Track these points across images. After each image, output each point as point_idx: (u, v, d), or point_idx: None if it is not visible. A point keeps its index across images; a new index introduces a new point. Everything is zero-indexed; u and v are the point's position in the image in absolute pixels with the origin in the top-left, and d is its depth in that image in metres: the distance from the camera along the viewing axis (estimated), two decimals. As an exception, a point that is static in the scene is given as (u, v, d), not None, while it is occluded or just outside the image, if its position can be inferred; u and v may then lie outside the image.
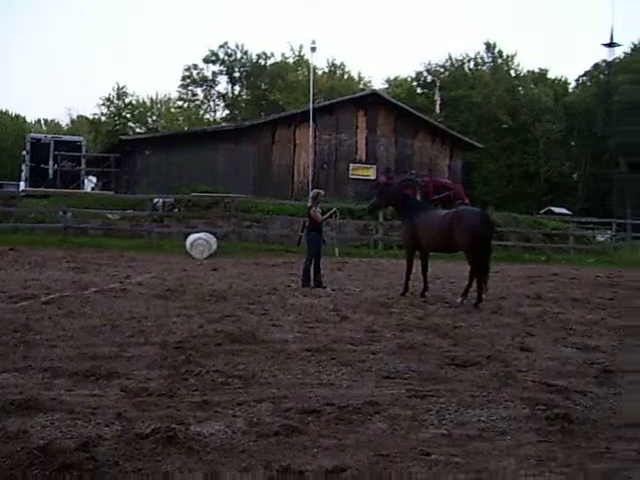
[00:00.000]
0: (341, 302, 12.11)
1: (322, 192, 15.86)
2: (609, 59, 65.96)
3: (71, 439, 4.55)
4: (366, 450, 4.59)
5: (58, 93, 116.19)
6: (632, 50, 70.07)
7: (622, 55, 69.19)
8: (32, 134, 42.69)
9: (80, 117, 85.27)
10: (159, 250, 23.03)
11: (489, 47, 74.87)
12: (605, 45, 64.15)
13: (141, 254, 21.27)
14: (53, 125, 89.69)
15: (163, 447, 4.48)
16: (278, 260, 21.20)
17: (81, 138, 41.32)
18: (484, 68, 74.70)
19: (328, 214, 15.71)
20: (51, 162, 35.68)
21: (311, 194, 15.70)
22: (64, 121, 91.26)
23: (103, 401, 5.42)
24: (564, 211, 50.33)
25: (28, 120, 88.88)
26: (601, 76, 69.34)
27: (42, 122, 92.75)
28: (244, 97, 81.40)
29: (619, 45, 65.57)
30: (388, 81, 79.46)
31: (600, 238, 35.08)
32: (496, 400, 5.87)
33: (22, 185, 36.68)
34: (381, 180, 35.29)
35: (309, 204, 15.45)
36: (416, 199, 16.69)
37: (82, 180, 37.56)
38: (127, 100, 77.57)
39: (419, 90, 74.29)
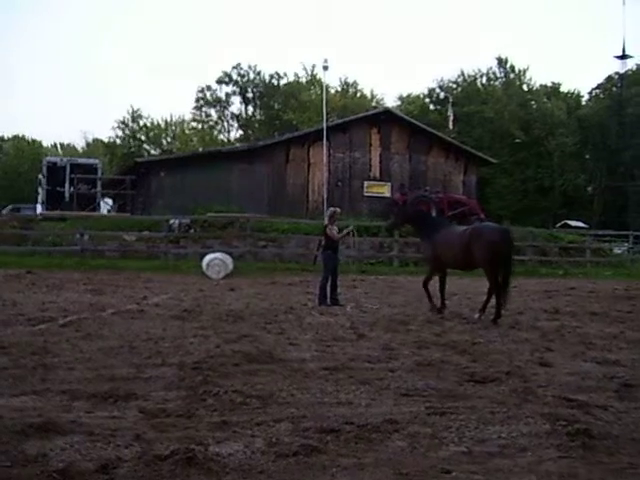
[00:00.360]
0: (358, 320, 12.09)
1: (338, 210, 15.87)
2: (621, 71, 65.82)
3: (90, 461, 4.55)
4: (386, 469, 4.56)
5: (73, 117, 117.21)
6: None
7: (634, 67, 69.08)
8: (48, 158, 43.14)
9: (95, 140, 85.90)
10: (176, 271, 23.09)
11: (501, 62, 74.88)
12: (617, 57, 64.04)
13: (158, 275, 21.34)
14: (69, 148, 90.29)
15: (182, 468, 4.46)
16: (294, 279, 21.20)
17: (97, 161, 41.67)
18: (496, 83, 74.67)
19: (345, 232, 15.70)
20: (67, 185, 36.01)
21: (327, 212, 15.72)
22: (80, 144, 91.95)
23: (122, 423, 5.41)
24: (580, 224, 50.04)
25: (44, 144, 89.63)
26: (614, 89, 69.14)
27: (58, 146, 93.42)
28: (258, 117, 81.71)
29: (631, 57, 65.47)
30: (401, 98, 79.56)
31: (617, 251, 34.88)
32: (516, 416, 5.82)
33: (39, 208, 36.95)
34: (396, 197, 35.43)
35: (325, 222, 15.48)
36: (433, 216, 16.61)
37: (98, 202, 37.83)
38: (142, 122, 78.11)
39: (432, 106, 74.35)
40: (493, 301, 12.43)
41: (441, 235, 13.27)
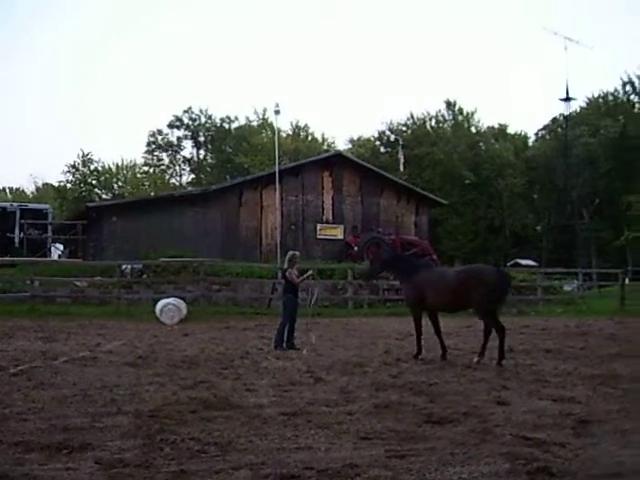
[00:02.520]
0: (314, 363, 12.04)
1: (298, 254, 15.89)
2: (566, 113, 67.55)
3: (46, 516, 4.45)
4: (348, 514, 4.53)
5: (22, 161, 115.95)
6: (587, 104, 71.90)
7: (578, 109, 70.96)
8: (-3, 203, 42.51)
9: (45, 184, 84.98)
10: (129, 317, 22.78)
11: (449, 105, 76.31)
12: (562, 100, 65.74)
13: (111, 321, 21.02)
14: (18, 193, 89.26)
15: (141, 520, 4.38)
16: (249, 323, 21.07)
17: (47, 206, 41.21)
18: (445, 126, 76.00)
19: (305, 276, 15.70)
20: (17, 230, 35.47)
21: (287, 256, 15.68)
22: (29, 189, 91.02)
23: (77, 474, 5.31)
24: (530, 262, 50.76)
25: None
26: (559, 130, 70.83)
27: (7, 190, 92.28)
28: (209, 161, 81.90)
29: (574, 99, 67.26)
30: (352, 141, 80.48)
31: (567, 288, 35.39)
32: (476, 456, 5.85)
33: (-12, 254, 36.29)
34: (349, 239, 35.60)
35: (285, 266, 15.47)
36: (413, 259, 16.13)
37: (49, 248, 37.30)
38: (92, 167, 77.45)
39: (382, 149, 75.29)
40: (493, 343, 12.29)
41: (426, 276, 12.99)
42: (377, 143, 77.28)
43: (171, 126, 78.94)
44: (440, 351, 12.85)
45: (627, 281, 34.16)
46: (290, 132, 79.33)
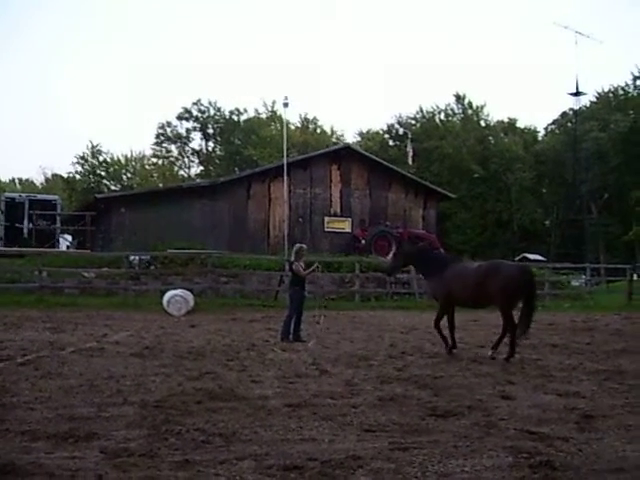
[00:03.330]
0: (320, 356, 12.07)
1: (304, 246, 15.91)
2: (576, 108, 67.33)
3: (51, 504, 4.48)
4: (350, 505, 4.55)
5: (32, 152, 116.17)
6: (597, 98, 71.61)
7: (588, 104, 70.69)
8: (6, 193, 42.64)
9: (55, 176, 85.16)
10: (136, 308, 22.84)
11: (459, 98, 76.15)
12: (571, 94, 65.53)
13: (118, 312, 21.09)
14: (28, 184, 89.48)
15: (145, 509, 4.42)
16: (256, 315, 21.12)
17: (56, 197, 41.25)
18: (454, 119, 75.83)
19: (311, 269, 15.73)
20: (26, 221, 35.56)
21: (294, 249, 15.70)
22: (38, 180, 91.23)
23: (83, 463, 5.34)
24: (538, 257, 50.61)
25: (2, 180, 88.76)
26: (569, 124, 70.63)
27: (16, 181, 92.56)
28: (218, 153, 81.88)
29: (585, 94, 67.04)
30: (361, 134, 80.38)
31: (575, 283, 35.31)
32: (479, 450, 5.86)
33: (-4, 245, 36.42)
34: (356, 233, 35.62)
35: (292, 259, 15.49)
36: (437, 252, 15.59)
37: (57, 239, 37.37)
38: (101, 158, 77.68)
39: (391, 142, 75.19)
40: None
41: (451, 271, 12.79)
42: (386, 136, 77.18)
43: (180, 118, 79.03)
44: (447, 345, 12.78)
45: (635, 277, 34.02)
46: (299, 125, 79.32)
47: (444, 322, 12.95)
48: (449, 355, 12.29)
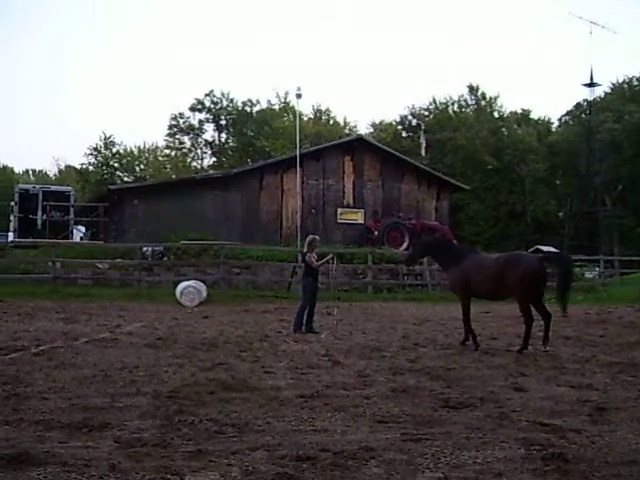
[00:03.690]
0: (333, 347, 12.09)
1: (317, 238, 15.91)
2: (590, 99, 66.96)
3: (65, 493, 4.51)
4: (362, 496, 4.56)
5: (46, 143, 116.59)
6: (611, 90, 71.17)
7: (602, 95, 70.24)
8: (20, 185, 42.89)
9: (68, 167, 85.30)
10: (149, 299, 22.95)
11: (472, 90, 75.79)
12: (585, 85, 65.16)
13: (131, 303, 21.20)
14: (41, 175, 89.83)
15: (158, 498, 4.44)
16: (268, 306, 21.17)
17: (69, 188, 41.39)
18: (468, 110, 75.52)
19: (324, 260, 15.74)
20: (40, 212, 35.74)
21: (307, 240, 15.70)
22: (52, 171, 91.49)
23: (96, 453, 5.37)
24: (552, 249, 50.41)
25: (16, 171, 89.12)
26: (583, 115, 70.25)
27: (30, 173, 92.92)
28: (231, 144, 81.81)
29: (599, 85, 66.66)
30: (373, 125, 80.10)
31: (588, 275, 35.16)
32: (491, 441, 5.86)
33: (10, 236, 36.59)
34: (369, 224, 35.57)
35: (305, 250, 15.49)
36: (455, 244, 15.44)
37: (71, 230, 37.53)
38: (115, 149, 77.76)
39: (404, 134, 74.90)
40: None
41: (470, 262, 12.71)
42: (399, 127, 76.87)
43: (193, 109, 78.89)
44: (462, 336, 12.76)
45: (649, 268, 33.87)
46: (312, 116, 79.06)
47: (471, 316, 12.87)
48: (475, 349, 12.11)
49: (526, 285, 11.99)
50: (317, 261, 15.32)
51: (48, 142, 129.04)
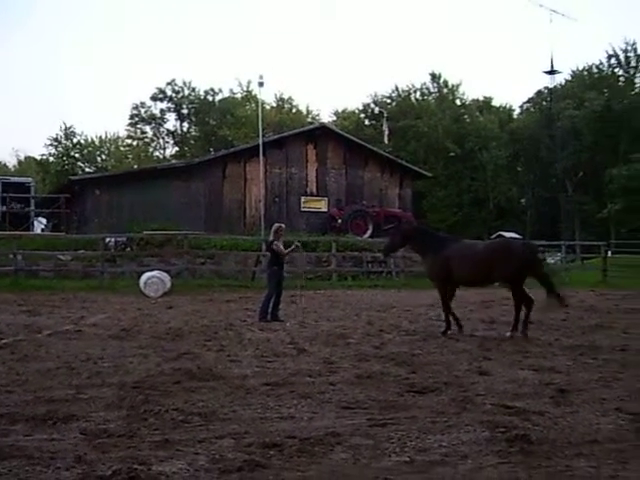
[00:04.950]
0: (298, 335, 12.11)
1: (283, 226, 15.85)
2: (551, 86, 67.60)
3: (31, 485, 4.48)
4: (330, 481, 4.59)
5: (4, 135, 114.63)
6: (572, 77, 71.91)
7: (563, 82, 70.99)
8: (-22, 177, 42.15)
9: (28, 158, 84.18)
10: (112, 290, 22.78)
11: (434, 77, 76.15)
12: (546, 72, 65.72)
13: (94, 295, 21.02)
14: (0, 167, 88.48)
15: (125, 488, 4.43)
16: (233, 295, 21.14)
17: (30, 179, 40.90)
18: (430, 98, 75.87)
19: (290, 248, 15.74)
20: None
21: (273, 228, 15.62)
22: (11, 162, 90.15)
23: (62, 445, 5.34)
24: (514, 235, 50.90)
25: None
26: (544, 103, 70.93)
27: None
28: (193, 134, 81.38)
29: (559, 72, 67.27)
30: (336, 113, 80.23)
31: (550, 260, 35.58)
32: (456, 425, 5.93)
33: (-30, 228, 36.07)
34: (333, 212, 35.62)
35: (271, 238, 15.44)
36: (435, 232, 15.30)
37: (32, 222, 37.11)
38: (75, 140, 76.74)
39: (367, 121, 75.18)
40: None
41: (452, 250, 12.64)
42: (362, 115, 77.10)
43: (154, 99, 78.30)
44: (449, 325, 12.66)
45: (609, 254, 34.36)
46: (274, 104, 78.94)
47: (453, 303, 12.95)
48: (460, 335, 12.19)
49: (520, 271, 12.22)
50: (284, 249, 15.32)
51: (7, 133, 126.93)
